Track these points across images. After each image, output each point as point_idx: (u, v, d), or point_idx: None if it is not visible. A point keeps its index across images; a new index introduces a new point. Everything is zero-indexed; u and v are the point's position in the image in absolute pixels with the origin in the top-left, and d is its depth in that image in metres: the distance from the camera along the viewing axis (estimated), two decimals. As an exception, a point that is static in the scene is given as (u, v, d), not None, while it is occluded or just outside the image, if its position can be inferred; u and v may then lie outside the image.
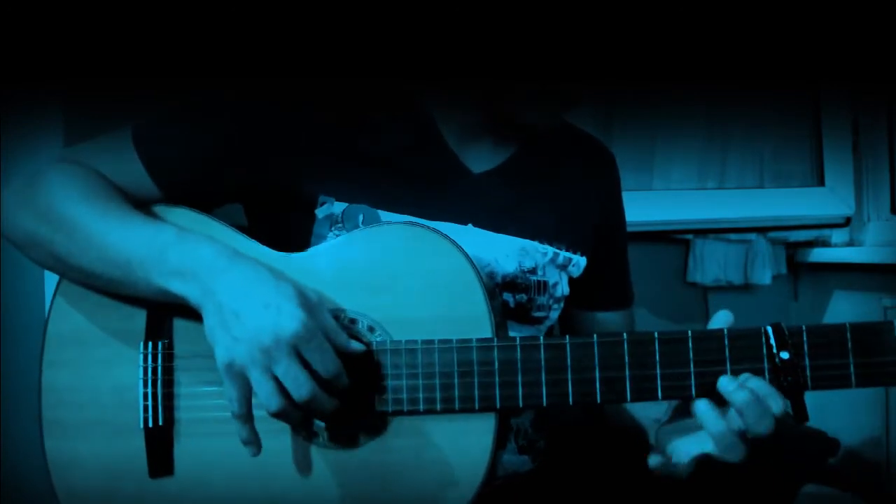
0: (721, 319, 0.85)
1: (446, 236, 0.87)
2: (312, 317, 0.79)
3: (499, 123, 0.99)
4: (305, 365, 0.78)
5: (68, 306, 0.92)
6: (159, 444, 0.88)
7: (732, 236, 1.96)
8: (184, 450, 0.89)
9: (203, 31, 1.44)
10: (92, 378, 0.90)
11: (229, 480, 0.87)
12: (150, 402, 0.89)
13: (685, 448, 0.84)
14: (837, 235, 2.00)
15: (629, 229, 1.21)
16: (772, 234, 1.98)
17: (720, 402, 0.81)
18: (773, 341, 0.81)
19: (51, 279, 0.96)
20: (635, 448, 0.95)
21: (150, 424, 0.88)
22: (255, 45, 1.46)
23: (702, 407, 0.81)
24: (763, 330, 0.82)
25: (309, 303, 0.80)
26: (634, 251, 1.21)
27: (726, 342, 0.82)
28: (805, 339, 0.82)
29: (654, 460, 0.87)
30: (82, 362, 0.91)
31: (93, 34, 1.38)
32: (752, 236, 1.97)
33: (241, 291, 0.80)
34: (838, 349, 0.81)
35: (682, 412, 0.86)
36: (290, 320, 0.77)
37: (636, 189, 1.91)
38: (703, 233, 1.95)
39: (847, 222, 1.99)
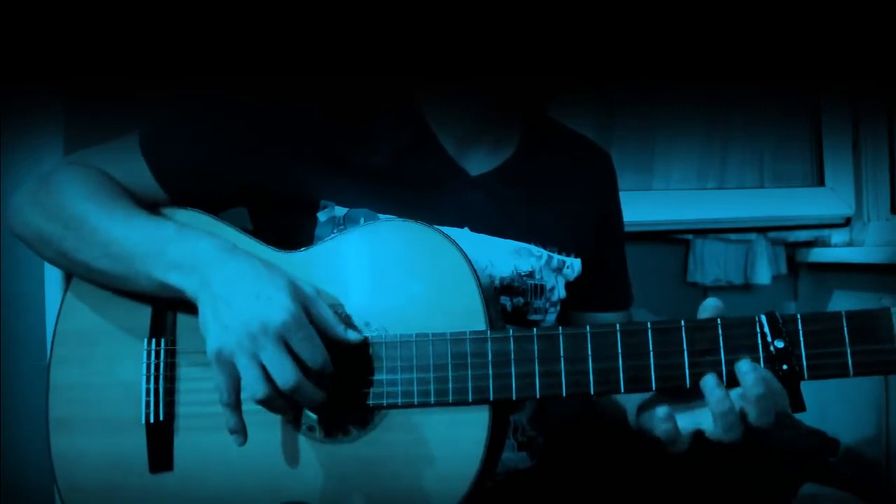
0: (707, 309, 0.83)
1: (440, 231, 0.88)
2: (303, 308, 0.80)
3: (496, 113, 1.00)
4: (293, 355, 0.79)
5: (78, 304, 0.94)
6: (160, 439, 0.89)
7: (732, 236, 1.96)
8: (183, 445, 0.89)
9: (202, 32, 1.44)
10: (98, 375, 0.91)
11: (227, 475, 0.87)
12: (151, 398, 0.90)
13: (681, 424, 0.82)
14: (837, 235, 2.00)
15: (629, 229, 1.20)
16: (772, 234, 1.98)
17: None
18: (766, 329, 0.80)
19: (51, 280, 0.96)
20: (629, 441, 0.95)
21: (152, 420, 0.89)
22: (254, 46, 1.46)
23: (711, 383, 0.79)
24: (757, 318, 0.81)
25: (302, 294, 0.81)
26: (634, 251, 1.21)
27: (720, 331, 0.81)
28: (800, 326, 0.80)
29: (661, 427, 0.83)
30: (89, 359, 0.92)
31: (94, 35, 1.39)
32: (752, 236, 1.97)
33: (235, 282, 0.81)
34: (835, 337, 0.79)
35: (661, 397, 0.86)
36: (278, 310, 0.78)
37: (636, 189, 1.91)
38: (703, 233, 1.95)
39: (847, 222, 1.99)
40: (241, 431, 0.82)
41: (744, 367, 0.79)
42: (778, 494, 1.43)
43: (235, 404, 0.81)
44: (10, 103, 1.37)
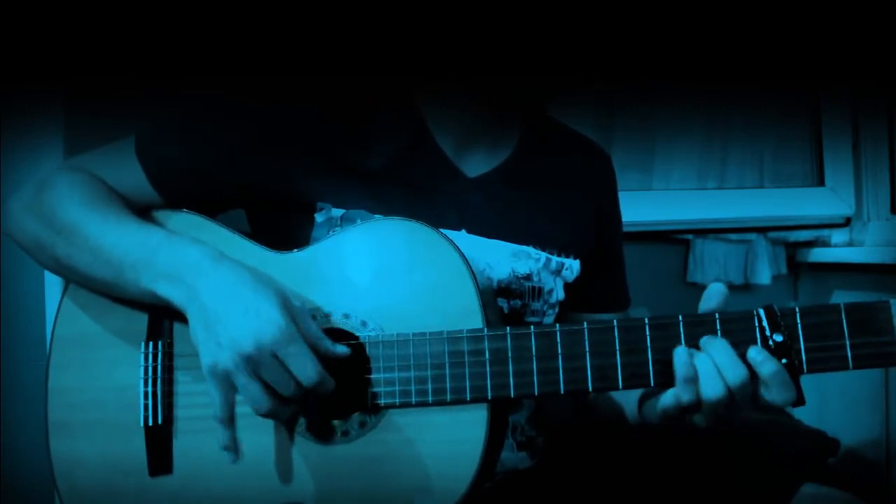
0: (714, 293, 0.84)
1: (437, 230, 0.88)
2: (292, 322, 0.79)
3: (495, 113, 0.99)
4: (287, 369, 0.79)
5: (75, 309, 0.94)
6: (158, 442, 0.89)
7: (732, 236, 1.96)
8: (182, 448, 0.89)
9: (202, 32, 1.44)
10: (96, 379, 0.91)
11: (227, 477, 0.87)
12: (150, 401, 0.89)
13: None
14: (837, 235, 2.00)
15: (630, 229, 1.20)
16: (772, 234, 1.98)
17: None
18: (765, 324, 0.80)
19: (51, 281, 0.96)
20: (628, 441, 0.95)
21: (150, 423, 0.89)
22: (254, 46, 1.46)
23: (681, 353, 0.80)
24: (755, 312, 0.80)
25: (290, 307, 0.81)
26: (634, 251, 1.21)
27: (718, 325, 0.81)
28: (798, 320, 0.79)
29: (666, 398, 0.82)
30: (87, 363, 0.92)
31: (94, 35, 1.38)
32: (752, 236, 1.97)
33: (223, 296, 0.80)
34: (834, 330, 0.79)
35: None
36: (268, 325, 0.78)
37: (636, 189, 1.91)
38: (703, 233, 1.95)
39: (847, 222, 1.99)
40: (233, 448, 0.83)
41: (752, 353, 0.79)
42: (778, 494, 1.43)
43: (229, 420, 0.82)
44: (10, 103, 1.37)
